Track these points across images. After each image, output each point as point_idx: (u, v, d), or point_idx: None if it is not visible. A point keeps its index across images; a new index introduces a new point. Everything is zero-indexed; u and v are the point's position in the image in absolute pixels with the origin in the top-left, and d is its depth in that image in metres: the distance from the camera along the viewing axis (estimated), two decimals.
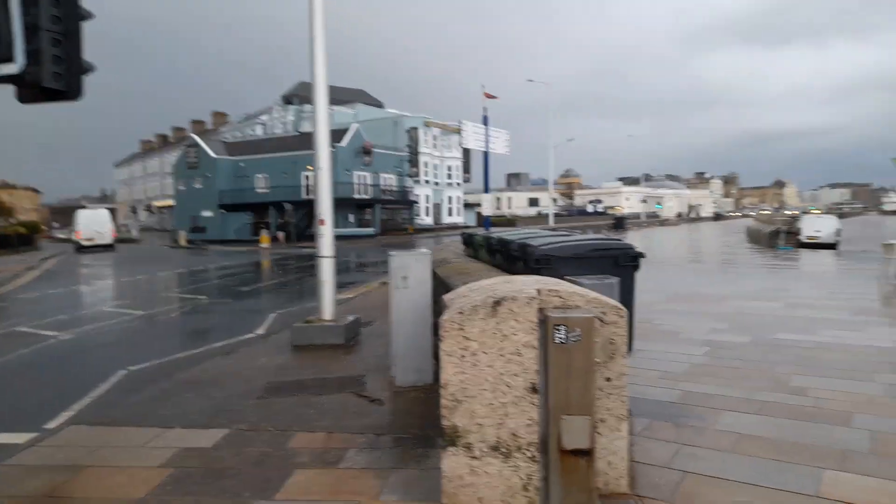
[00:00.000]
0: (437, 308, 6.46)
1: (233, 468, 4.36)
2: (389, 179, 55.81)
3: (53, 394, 6.99)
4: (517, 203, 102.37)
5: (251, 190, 51.12)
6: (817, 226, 32.59)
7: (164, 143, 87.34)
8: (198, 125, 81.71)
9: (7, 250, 36.82)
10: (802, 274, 18.07)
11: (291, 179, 49.21)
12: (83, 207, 50.67)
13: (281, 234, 44.35)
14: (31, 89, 3.70)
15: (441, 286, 6.77)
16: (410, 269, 6.45)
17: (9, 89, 3.66)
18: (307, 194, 48.80)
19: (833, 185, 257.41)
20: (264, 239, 41.60)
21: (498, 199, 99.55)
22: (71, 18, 3.70)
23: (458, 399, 3.64)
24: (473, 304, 3.68)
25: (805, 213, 53.15)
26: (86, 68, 3.85)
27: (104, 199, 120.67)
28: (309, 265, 24.58)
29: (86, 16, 3.83)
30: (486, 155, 17.05)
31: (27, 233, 43.37)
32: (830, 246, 30.06)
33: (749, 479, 3.83)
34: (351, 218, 50.24)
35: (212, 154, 52.29)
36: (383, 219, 54.11)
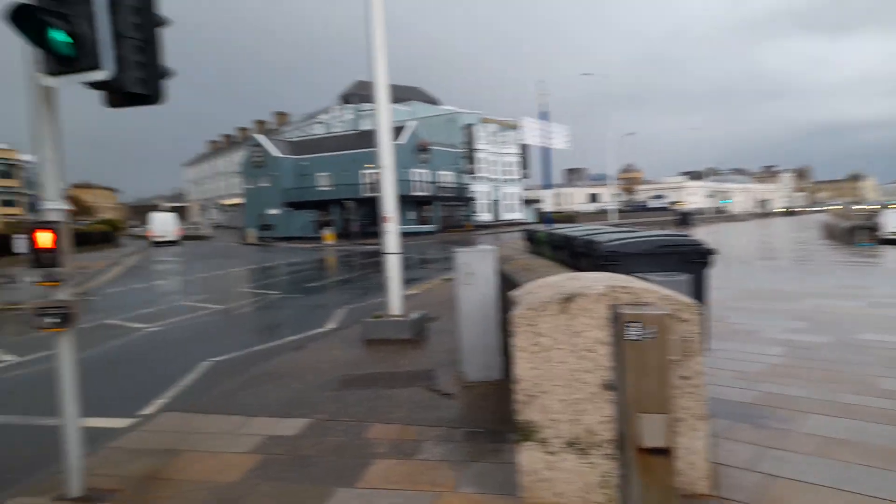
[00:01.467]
0: (503, 304, 6.54)
1: (315, 456, 4.57)
2: (447, 176, 56.10)
3: (146, 382, 7.46)
4: (576, 199, 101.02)
5: (313, 188, 52.42)
6: None
7: (229, 143, 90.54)
8: (261, 125, 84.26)
9: (89, 247, 39.19)
10: (886, 272, 17.13)
11: (352, 177, 50.19)
12: (156, 206, 53.93)
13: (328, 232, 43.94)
14: (117, 94, 3.94)
15: (506, 283, 6.83)
16: (476, 266, 6.53)
17: (96, 95, 3.90)
18: (368, 191, 49.77)
19: None
20: (328, 236, 42.67)
21: (557, 194, 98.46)
22: (150, 26, 3.88)
23: (532, 394, 3.70)
24: (543, 301, 3.73)
25: (885, 207, 50.07)
26: (166, 73, 4.06)
27: (175, 197, 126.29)
28: (372, 262, 25.05)
29: (163, 23, 4.04)
30: (545, 151, 16.95)
31: (109, 230, 46.10)
32: None
33: (838, 483, 3.73)
34: (411, 215, 50.82)
35: (275, 153, 53.91)
36: (442, 216, 54.48)
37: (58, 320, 3.80)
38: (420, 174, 52.06)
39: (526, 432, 3.70)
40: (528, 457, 3.68)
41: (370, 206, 49.99)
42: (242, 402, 5.94)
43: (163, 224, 48.24)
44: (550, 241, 7.59)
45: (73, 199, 28.67)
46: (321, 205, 51.47)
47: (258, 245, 45.11)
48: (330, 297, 15.38)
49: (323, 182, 52.70)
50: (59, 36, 3.39)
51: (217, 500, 3.95)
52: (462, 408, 5.65)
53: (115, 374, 8.01)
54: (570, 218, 62.66)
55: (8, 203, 73.76)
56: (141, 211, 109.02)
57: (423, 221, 52.04)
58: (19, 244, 31.66)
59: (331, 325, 10.83)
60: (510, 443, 4.57)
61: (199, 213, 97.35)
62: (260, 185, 55.32)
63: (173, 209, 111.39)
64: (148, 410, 6.13)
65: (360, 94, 67.84)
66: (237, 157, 72.18)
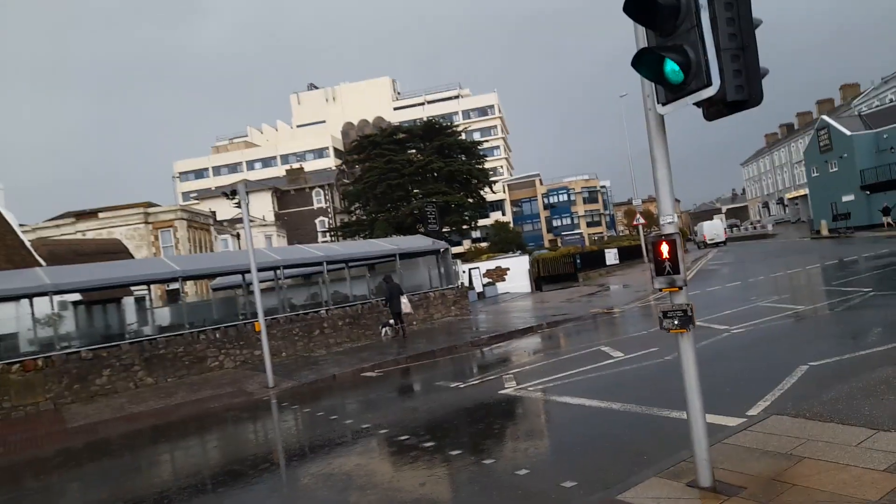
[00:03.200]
0: None
1: None
2: None
3: (743, 383, 7.59)
4: None
5: None
6: None
7: (789, 132, 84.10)
8: (825, 105, 75.10)
9: None
10: None
11: None
12: (717, 210, 55.43)
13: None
14: (717, 107, 4.11)
15: None
16: None
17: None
18: None
19: None
20: None
21: None
22: (746, 32, 3.91)
23: None
24: None
25: None
26: (762, 74, 4.01)
27: (734, 198, 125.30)
28: None
29: (757, 24, 4.00)
30: None
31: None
32: None
33: None
34: None
35: (845, 132, 47.14)
36: None
37: (678, 322, 4.25)
38: None
39: None
40: None
41: None
42: (861, 413, 5.32)
43: (712, 229, 55.29)
44: None
45: (645, 213, 32.50)
46: None
47: (832, 237, 40.20)
48: None
49: None
50: (670, 67, 3.86)
51: None
52: None
53: (713, 374, 8.36)
54: None
55: (593, 223, 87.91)
56: (699, 217, 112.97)
57: None
58: (609, 257, 37.46)
59: None
60: None
61: (760, 211, 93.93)
62: (828, 171, 49.42)
63: (730, 211, 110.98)
64: (753, 411, 6.19)
65: None
66: (799, 146, 66.74)
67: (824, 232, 44.07)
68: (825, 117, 53.03)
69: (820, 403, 5.81)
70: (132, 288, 22.98)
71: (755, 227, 71.14)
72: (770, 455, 4.73)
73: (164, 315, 19.63)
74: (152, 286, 27.41)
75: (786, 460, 4.58)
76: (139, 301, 22.63)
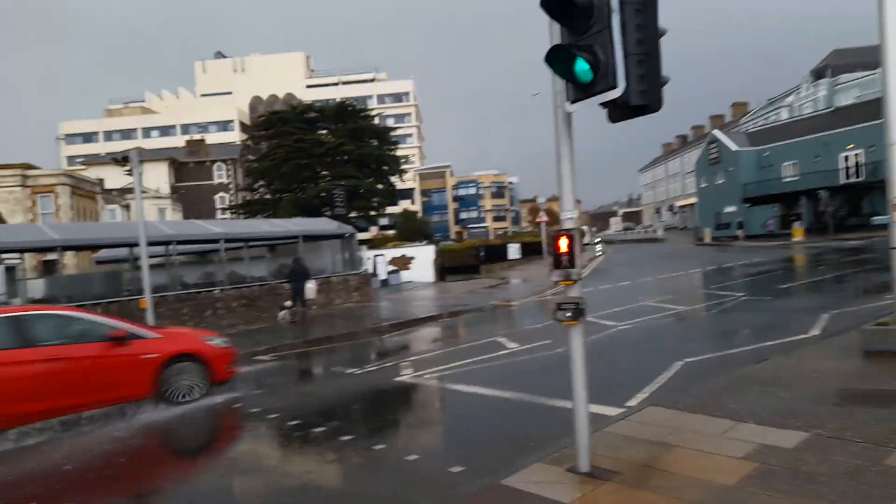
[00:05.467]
0: None
1: (822, 475, 4.10)
2: None
3: (625, 376, 8.02)
4: None
5: (777, 180, 47.51)
6: None
7: (683, 143, 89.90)
8: (717, 120, 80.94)
9: None
10: None
11: (825, 163, 43.51)
12: (614, 214, 58.45)
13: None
14: (621, 109, 4.27)
15: None
16: None
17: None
18: (846, 178, 42.35)
19: None
20: (796, 232, 38.09)
21: None
22: (651, 39, 4.07)
23: None
24: None
25: None
26: (664, 82, 4.21)
27: (630, 203, 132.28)
28: (853, 260, 21.34)
29: (662, 33, 4.19)
30: None
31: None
32: None
33: None
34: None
35: (733, 147, 51.03)
36: None
37: (570, 314, 4.41)
38: None
39: None
40: None
41: (849, 195, 42.38)
42: (726, 406, 5.78)
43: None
44: None
45: (549, 212, 33.85)
46: (786, 198, 46.25)
47: (713, 245, 43.46)
48: (805, 301, 13.68)
49: (788, 172, 47.32)
50: (580, 66, 3.95)
51: (715, 500, 3.93)
52: None
53: (599, 367, 8.72)
54: None
55: (499, 218, 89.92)
56: (598, 218, 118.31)
57: None
58: (512, 251, 38.52)
59: (814, 332, 9.63)
60: None
61: (652, 217, 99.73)
62: (715, 183, 53.32)
63: (626, 214, 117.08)
64: (632, 402, 6.57)
65: (836, 65, 58.44)
66: (691, 157, 71.42)
67: (707, 239, 47.56)
68: (716, 132, 57.08)
69: (691, 396, 6.26)
70: (2, 256, 21.01)
71: (647, 232, 75.53)
72: (644, 443, 5.04)
73: (37, 287, 18.11)
74: (26, 255, 25.16)
75: (658, 448, 4.90)
76: (10, 270, 20.70)
